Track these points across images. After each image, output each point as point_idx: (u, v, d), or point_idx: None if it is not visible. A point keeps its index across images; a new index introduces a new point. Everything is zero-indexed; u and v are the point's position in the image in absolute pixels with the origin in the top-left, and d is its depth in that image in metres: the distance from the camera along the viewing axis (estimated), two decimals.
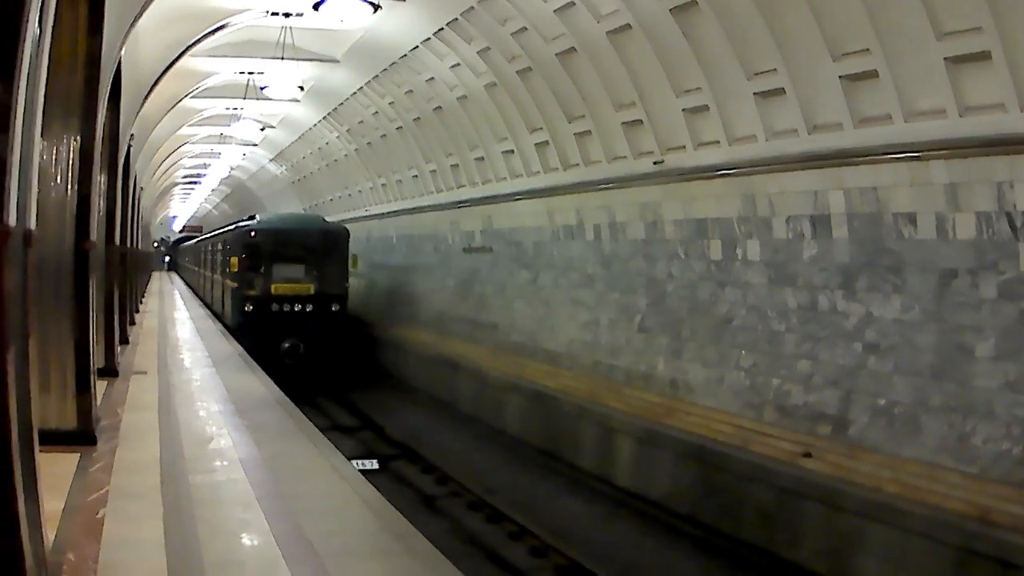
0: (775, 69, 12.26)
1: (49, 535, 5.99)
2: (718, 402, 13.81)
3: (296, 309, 27.11)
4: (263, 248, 27.41)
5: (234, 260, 28.50)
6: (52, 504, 6.59)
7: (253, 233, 28.04)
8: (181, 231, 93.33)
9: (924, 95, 10.45)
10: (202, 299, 43.71)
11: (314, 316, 27.14)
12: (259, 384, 16.05)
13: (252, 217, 31.93)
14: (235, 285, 28.18)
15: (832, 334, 12.06)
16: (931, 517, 9.35)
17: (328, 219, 31.74)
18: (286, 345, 26.46)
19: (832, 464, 10.94)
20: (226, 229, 35.84)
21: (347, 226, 29.98)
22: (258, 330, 26.21)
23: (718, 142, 13.92)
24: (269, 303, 26.93)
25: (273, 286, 27.08)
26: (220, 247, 34.25)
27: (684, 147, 14.74)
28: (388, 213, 31.70)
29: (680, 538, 12.78)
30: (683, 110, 14.39)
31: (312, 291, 27.47)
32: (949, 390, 10.30)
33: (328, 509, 8.18)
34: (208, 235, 49.66)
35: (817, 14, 11.20)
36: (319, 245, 28.05)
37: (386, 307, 31.30)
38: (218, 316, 32.58)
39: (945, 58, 9.92)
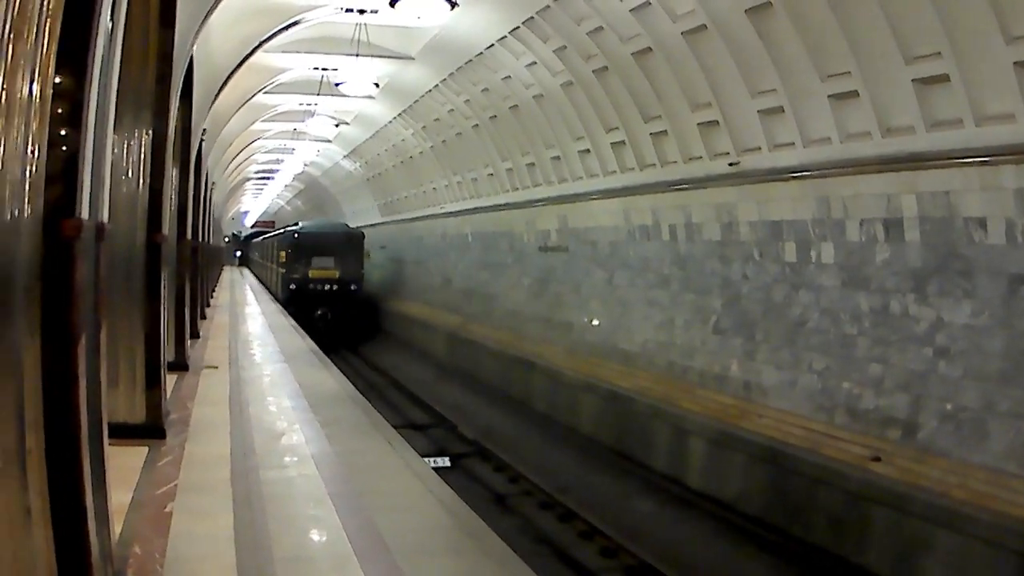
0: (848, 71, 12.49)
1: (116, 528, 5.95)
2: (790, 405, 14.12)
3: (325, 288, 40.15)
4: (303, 245, 40.90)
5: (283, 254, 42.98)
6: (119, 497, 6.63)
7: (297, 235, 42.00)
8: (253, 226, 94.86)
9: (994, 99, 10.66)
10: (262, 282, 57.80)
11: (338, 293, 40.31)
12: (332, 379, 16.26)
13: (296, 224, 48.09)
14: (283, 271, 42.15)
15: (903, 338, 12.32)
16: (995, 523, 9.70)
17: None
18: (318, 312, 38.89)
19: (900, 469, 11.30)
20: (278, 232, 53.86)
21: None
22: (299, 302, 38.50)
23: (793, 144, 14.16)
24: (307, 283, 40.09)
25: (310, 272, 40.28)
26: (275, 244, 49.94)
27: (760, 148, 15.00)
28: (463, 211, 32.26)
29: (749, 540, 13.20)
30: (758, 111, 14.64)
31: (337, 276, 40.62)
32: (1017, 396, 10.52)
33: (401, 506, 8.17)
34: (267, 235, 64.12)
35: (889, 16, 11.42)
36: (342, 244, 41.51)
37: (461, 305, 31.83)
38: (273, 293, 45.99)
39: (1014, 63, 10.14)
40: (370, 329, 42.46)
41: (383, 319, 42.96)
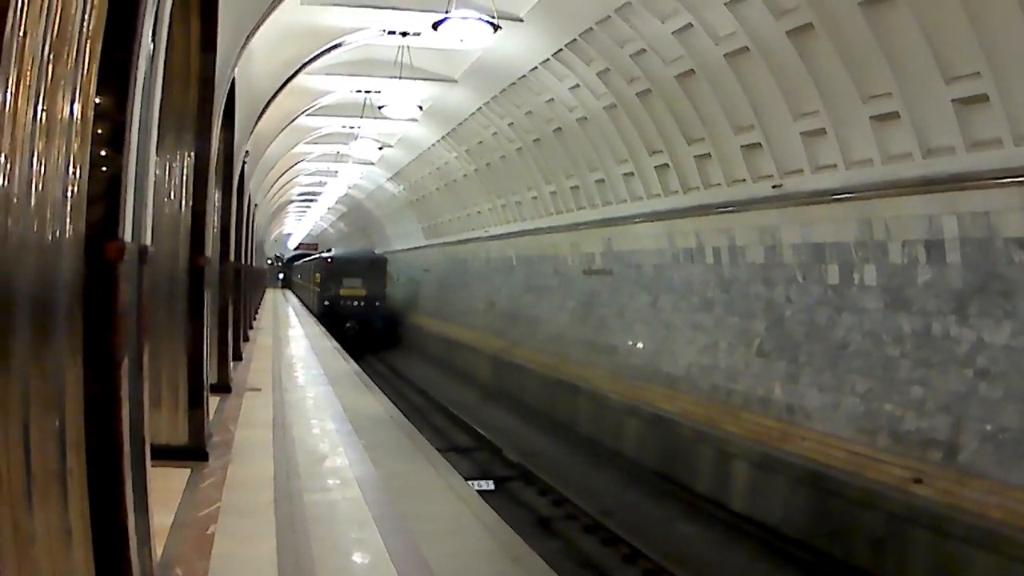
0: (889, 92, 12.72)
1: (157, 550, 6.01)
2: (833, 427, 14.32)
3: (353, 304, 48.11)
4: (335, 269, 49.41)
5: (318, 275, 52.62)
6: (161, 519, 6.77)
7: (329, 260, 50.97)
8: (296, 249, 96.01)
9: None
10: (301, 299, 66.74)
11: (364, 308, 48.12)
12: (376, 403, 16.42)
13: (329, 250, 60.54)
14: (318, 290, 51.31)
15: (944, 360, 12.51)
16: None
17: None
18: (347, 325, 46.07)
19: (941, 490, 11.51)
20: (315, 257, 63.93)
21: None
22: (331, 315, 46.56)
23: (835, 166, 14.38)
24: (338, 300, 48.08)
25: (341, 290, 48.39)
26: (311, 267, 60.91)
27: (802, 170, 15.22)
28: (507, 234, 32.61)
29: (791, 563, 13.38)
30: (801, 133, 14.88)
31: (363, 294, 48.45)
32: None
33: (445, 530, 8.26)
34: (306, 259, 74.62)
35: (929, 36, 11.65)
36: (368, 267, 49.55)
37: (506, 328, 32.10)
38: (309, 308, 55.18)
39: None
40: (395, 341, 49.27)
41: (427, 342, 43.35)
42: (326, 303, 48.38)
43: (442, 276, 44.40)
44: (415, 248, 49.08)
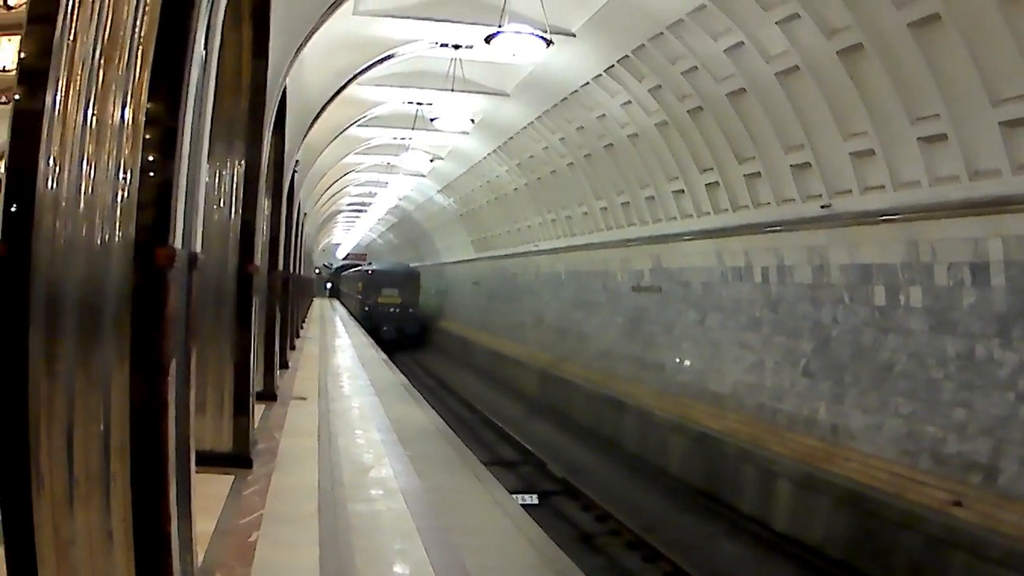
0: (937, 114, 12.91)
1: (199, 556, 5.98)
2: (876, 449, 14.53)
3: (391, 310, 56.12)
4: (375, 279, 57.59)
5: (360, 284, 60.67)
6: (203, 525, 6.77)
7: (370, 272, 59.42)
8: (344, 259, 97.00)
9: None
10: (347, 307, 72.78)
11: (399, 314, 56.13)
12: (422, 414, 16.59)
13: (370, 263, 68.43)
14: (360, 297, 59.44)
15: (987, 383, 12.71)
16: None
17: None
18: (384, 328, 53.49)
19: (980, 513, 11.75)
20: (357, 269, 72.97)
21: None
22: (370, 320, 54.34)
23: (883, 187, 14.57)
24: (377, 307, 56.10)
25: (379, 298, 56.36)
26: (354, 277, 70.59)
27: (851, 191, 15.42)
28: (557, 249, 32.93)
29: None
30: (850, 153, 15.08)
31: (399, 301, 56.55)
32: None
33: (489, 544, 8.33)
34: (351, 270, 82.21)
35: (976, 57, 11.86)
36: (403, 278, 58.08)
37: (554, 343, 32.37)
38: (352, 314, 62.48)
39: None
40: (425, 342, 56.61)
41: (475, 357, 43.72)
42: (366, 308, 56.89)
43: (491, 289, 44.74)
44: (464, 261, 49.46)
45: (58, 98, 4.36)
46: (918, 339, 14.19)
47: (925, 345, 14.01)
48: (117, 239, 4.36)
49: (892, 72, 13.39)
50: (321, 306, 69.76)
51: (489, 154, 33.10)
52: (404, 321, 55.99)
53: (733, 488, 17.50)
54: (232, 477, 9.91)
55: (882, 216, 14.70)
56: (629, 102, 21.20)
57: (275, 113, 12.91)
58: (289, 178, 20.07)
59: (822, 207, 16.22)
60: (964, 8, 11.70)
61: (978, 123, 12.36)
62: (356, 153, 33.99)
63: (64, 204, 4.33)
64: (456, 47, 20.02)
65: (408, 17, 18.21)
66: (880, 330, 15.10)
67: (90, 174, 4.35)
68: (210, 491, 8.80)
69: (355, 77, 19.99)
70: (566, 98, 23.52)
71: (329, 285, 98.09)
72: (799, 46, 14.86)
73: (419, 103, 25.80)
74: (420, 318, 57.54)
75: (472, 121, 24.62)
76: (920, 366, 14.08)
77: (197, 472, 5.50)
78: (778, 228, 17.84)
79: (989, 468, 12.30)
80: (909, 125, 13.56)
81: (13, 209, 4.31)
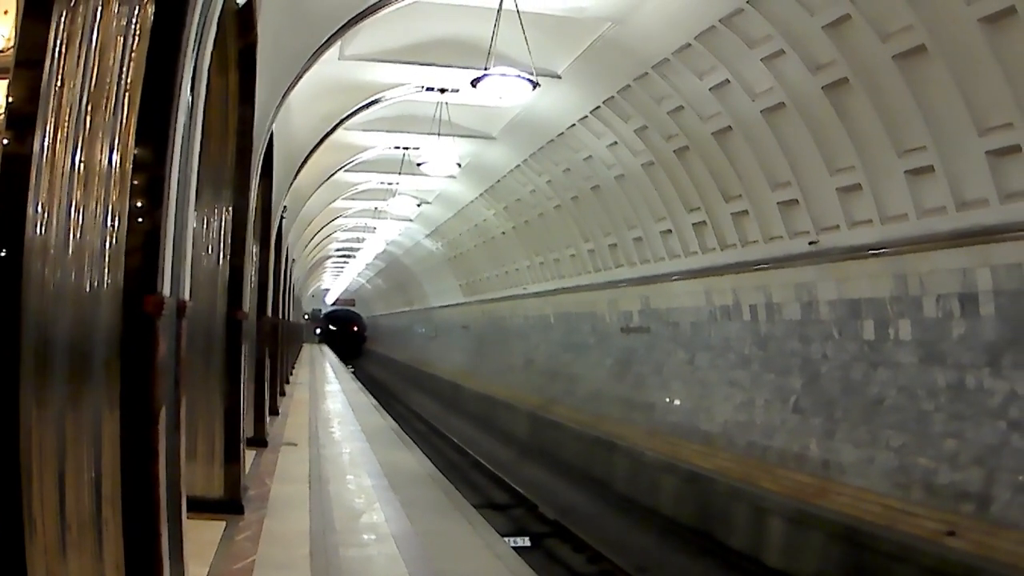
0: (924, 146, 12.98)
1: None
2: (868, 482, 14.47)
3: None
4: (330, 318, 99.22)
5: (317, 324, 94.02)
6: (196, 571, 6.73)
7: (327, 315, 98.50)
8: (333, 304, 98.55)
9: None
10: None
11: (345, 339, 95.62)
12: (412, 459, 16.52)
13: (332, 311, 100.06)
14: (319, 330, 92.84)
15: (978, 412, 12.70)
16: None
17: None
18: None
19: (973, 542, 11.70)
20: (324, 314, 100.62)
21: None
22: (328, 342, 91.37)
23: (871, 221, 14.61)
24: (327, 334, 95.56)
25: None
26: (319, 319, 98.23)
27: (838, 226, 15.46)
28: (545, 292, 32.85)
29: None
30: (837, 189, 15.12)
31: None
32: None
33: None
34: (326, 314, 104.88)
35: (962, 88, 11.93)
36: (350, 318, 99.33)
37: (543, 386, 32.30)
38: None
39: None
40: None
41: (465, 401, 43.41)
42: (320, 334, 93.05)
43: (480, 333, 44.63)
44: (453, 305, 49.37)
45: (46, 143, 4.35)
46: (908, 372, 14.17)
47: (915, 377, 14.00)
48: (106, 286, 4.36)
49: (878, 105, 13.47)
50: (311, 351, 69.46)
51: (476, 198, 33.09)
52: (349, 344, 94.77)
53: (725, 525, 17.36)
54: (224, 523, 9.88)
55: (870, 250, 14.74)
56: (615, 143, 21.26)
57: (262, 158, 12.94)
58: (277, 224, 20.04)
59: (810, 243, 16.27)
60: (949, 37, 11.78)
61: (965, 153, 12.42)
62: (344, 198, 33.98)
63: (53, 251, 4.32)
64: (442, 91, 20.03)
65: (394, 61, 18.23)
66: (870, 364, 15.09)
67: (78, 220, 4.35)
68: (202, 537, 8.86)
69: (342, 122, 20.02)
70: (552, 140, 23.58)
71: (318, 331, 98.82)
72: (784, 82, 14.95)
73: (406, 147, 25.77)
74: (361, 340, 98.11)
75: (459, 165, 24.23)
76: (910, 398, 14.06)
77: (188, 518, 5.50)
78: (766, 266, 17.86)
79: (982, 497, 12.26)
80: (896, 158, 13.62)
81: (2, 255, 4.28)
